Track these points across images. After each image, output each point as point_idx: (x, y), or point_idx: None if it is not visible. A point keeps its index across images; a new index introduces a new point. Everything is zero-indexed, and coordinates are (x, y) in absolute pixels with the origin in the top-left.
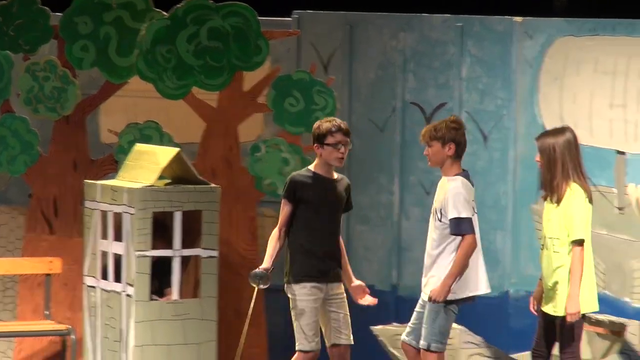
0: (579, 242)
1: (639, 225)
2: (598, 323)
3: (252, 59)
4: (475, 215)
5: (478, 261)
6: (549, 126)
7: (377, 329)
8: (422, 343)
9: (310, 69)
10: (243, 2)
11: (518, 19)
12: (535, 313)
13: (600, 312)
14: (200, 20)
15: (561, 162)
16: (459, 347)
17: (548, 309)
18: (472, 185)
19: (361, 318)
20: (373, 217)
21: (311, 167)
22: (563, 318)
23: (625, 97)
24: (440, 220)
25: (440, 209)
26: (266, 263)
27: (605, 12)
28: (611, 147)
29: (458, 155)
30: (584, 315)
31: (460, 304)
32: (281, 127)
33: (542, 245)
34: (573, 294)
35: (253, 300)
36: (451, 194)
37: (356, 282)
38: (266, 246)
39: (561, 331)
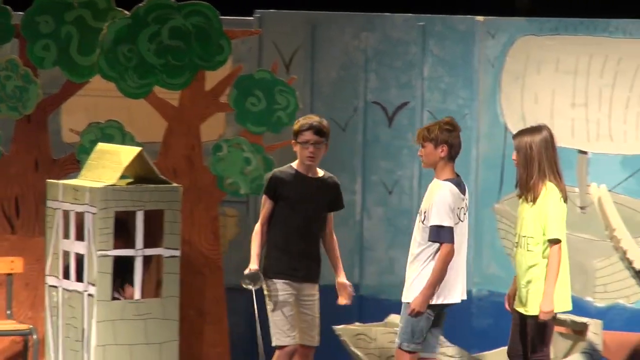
0: (555, 241)
1: (600, 224)
2: (560, 322)
3: (214, 58)
4: (463, 222)
5: (459, 269)
6: (511, 126)
7: (340, 328)
8: (396, 341)
9: (272, 68)
10: (205, 1)
11: (480, 18)
12: (510, 311)
13: (562, 311)
14: (161, 19)
15: (538, 160)
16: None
17: (521, 308)
18: (465, 190)
19: (323, 317)
20: (335, 216)
21: (294, 164)
22: (535, 317)
23: (587, 97)
24: (423, 222)
25: (425, 212)
26: (254, 263)
27: (567, 11)
28: (573, 146)
29: (451, 157)
30: (555, 315)
31: (437, 309)
32: (243, 126)
33: (516, 243)
34: (548, 293)
35: (255, 303)
36: (436, 201)
37: (343, 281)
38: (228, 245)
39: (533, 330)
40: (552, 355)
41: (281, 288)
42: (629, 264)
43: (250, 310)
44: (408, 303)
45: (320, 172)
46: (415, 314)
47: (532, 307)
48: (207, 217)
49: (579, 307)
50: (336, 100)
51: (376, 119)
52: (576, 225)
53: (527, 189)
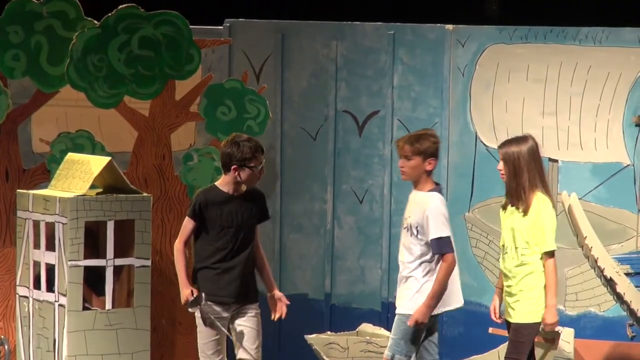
0: (551, 254)
1: (571, 232)
2: None
3: (184, 67)
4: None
5: (454, 277)
6: (481, 134)
7: (311, 337)
8: (386, 353)
9: (242, 77)
10: (175, 10)
11: (449, 26)
12: (498, 321)
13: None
14: (131, 29)
15: (527, 170)
16: None
17: (508, 315)
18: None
19: (295, 327)
20: (306, 225)
21: (217, 183)
22: (520, 325)
23: (557, 105)
24: (417, 237)
25: (417, 226)
26: (188, 286)
27: (537, 19)
28: (543, 155)
29: (433, 169)
30: (538, 324)
31: (431, 318)
32: (213, 135)
33: (505, 253)
34: (551, 305)
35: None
36: (431, 213)
37: (277, 294)
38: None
39: (513, 337)
40: None
41: (208, 311)
42: (600, 272)
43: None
44: (404, 315)
45: (243, 187)
46: (417, 325)
47: (519, 315)
48: (179, 226)
49: None
50: (307, 109)
51: (347, 128)
52: None
53: (517, 199)
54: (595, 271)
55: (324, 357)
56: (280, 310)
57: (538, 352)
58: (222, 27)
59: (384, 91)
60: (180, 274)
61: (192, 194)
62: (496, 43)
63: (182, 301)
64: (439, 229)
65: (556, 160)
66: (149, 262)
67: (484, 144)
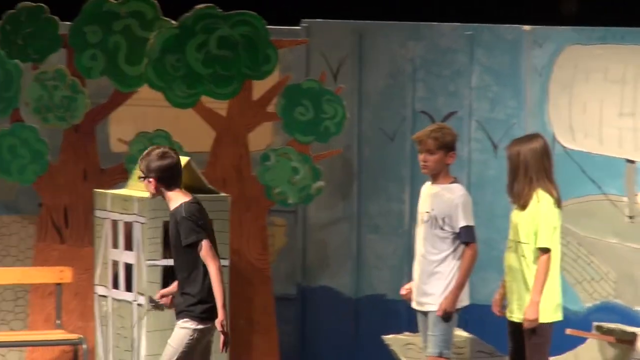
0: (545, 250)
1: None
2: (609, 332)
3: (261, 67)
4: None
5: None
6: (559, 135)
7: (389, 338)
8: (432, 351)
9: (320, 77)
10: (252, 11)
11: (527, 27)
12: (499, 315)
13: (610, 321)
14: (209, 29)
15: (524, 168)
16: (471, 356)
17: (511, 315)
18: None
19: (373, 327)
20: (383, 225)
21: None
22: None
23: (635, 106)
24: (442, 229)
25: (443, 217)
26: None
27: (614, 20)
28: (621, 156)
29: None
30: (551, 324)
31: (460, 311)
32: (291, 136)
33: (509, 248)
34: (533, 301)
35: None
36: (461, 202)
37: (216, 322)
38: (276, 255)
39: (527, 338)
40: None
41: None
42: None
43: (300, 319)
44: (444, 314)
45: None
46: (446, 315)
47: (521, 313)
48: (256, 226)
49: (628, 317)
50: (384, 110)
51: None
52: (625, 234)
53: (513, 196)
54: None
55: (402, 357)
56: (220, 339)
57: (615, 353)
58: (299, 28)
59: (462, 92)
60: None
61: (269, 194)
62: (574, 44)
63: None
64: (468, 217)
65: (634, 162)
66: (227, 262)
67: (562, 145)
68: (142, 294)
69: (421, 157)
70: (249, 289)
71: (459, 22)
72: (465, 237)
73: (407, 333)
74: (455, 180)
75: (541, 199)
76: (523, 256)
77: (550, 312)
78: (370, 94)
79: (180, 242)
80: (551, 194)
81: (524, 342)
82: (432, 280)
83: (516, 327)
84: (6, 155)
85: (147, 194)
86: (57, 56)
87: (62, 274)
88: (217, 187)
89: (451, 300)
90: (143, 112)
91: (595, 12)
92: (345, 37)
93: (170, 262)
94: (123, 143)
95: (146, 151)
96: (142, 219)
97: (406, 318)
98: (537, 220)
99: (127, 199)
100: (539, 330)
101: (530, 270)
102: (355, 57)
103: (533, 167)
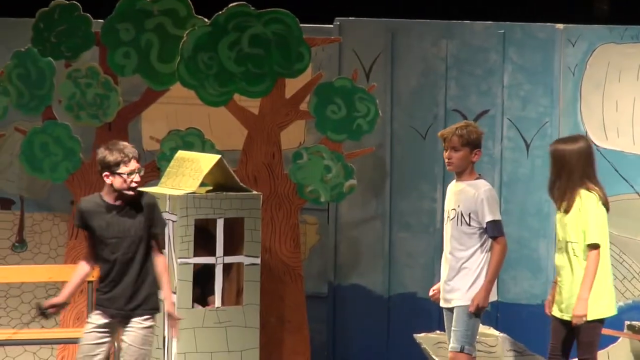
0: (594, 246)
1: None
2: None
3: (294, 65)
4: None
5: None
6: (592, 133)
7: (420, 336)
8: (454, 346)
9: (352, 75)
10: (284, 8)
11: (560, 26)
12: (549, 315)
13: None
14: (241, 27)
15: (568, 169)
16: (502, 354)
17: (561, 313)
18: None
19: (404, 325)
20: (415, 224)
21: (102, 192)
22: (587, 322)
23: None
24: (469, 224)
25: (469, 213)
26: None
27: None
28: None
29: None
30: (602, 320)
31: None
32: (323, 134)
33: (559, 249)
34: (582, 297)
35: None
36: (485, 197)
37: (168, 310)
38: (308, 253)
39: (577, 335)
40: None
41: (89, 323)
42: None
43: (331, 317)
44: (464, 306)
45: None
46: (478, 310)
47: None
48: (288, 224)
49: None
50: (416, 108)
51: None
52: None
53: (555, 197)
54: None
55: (433, 356)
56: (172, 327)
57: None
58: (332, 26)
59: (494, 90)
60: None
61: (301, 192)
62: (607, 43)
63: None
64: (494, 212)
65: None
66: (258, 260)
67: (595, 143)
68: (173, 292)
69: (446, 154)
70: (281, 287)
71: (491, 21)
72: (492, 231)
73: (438, 332)
74: (479, 177)
75: (585, 198)
76: (575, 255)
77: (601, 309)
78: (403, 93)
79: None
80: (596, 193)
81: (569, 340)
82: (459, 277)
83: (564, 325)
84: (38, 152)
85: (179, 192)
86: (89, 54)
87: (93, 272)
88: (249, 185)
89: (483, 295)
90: (175, 110)
91: (627, 12)
92: (377, 36)
93: (203, 260)
94: (155, 141)
95: None
96: (173, 217)
97: (437, 316)
98: (585, 218)
99: (159, 196)
100: (589, 327)
101: (582, 269)
102: (388, 56)
103: (577, 168)
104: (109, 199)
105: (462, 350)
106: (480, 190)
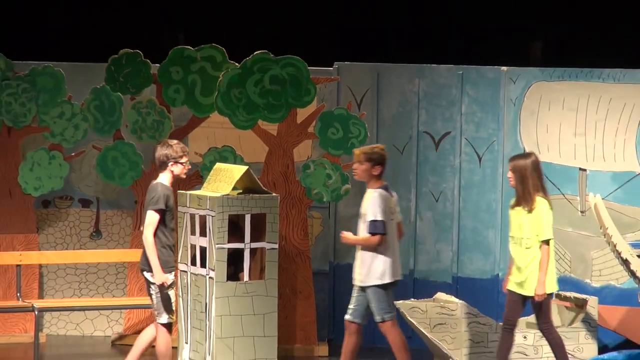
0: (547, 242)
1: (596, 224)
2: (566, 299)
3: (303, 98)
4: (392, 220)
5: (386, 254)
6: (529, 150)
7: (399, 303)
8: (377, 318)
9: (347, 106)
10: (296, 56)
11: (504, 68)
12: (505, 291)
13: (567, 290)
14: (264, 69)
15: (530, 179)
16: (461, 317)
17: (517, 288)
18: (392, 195)
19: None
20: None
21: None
22: (534, 297)
23: (585, 128)
24: (365, 223)
25: (364, 214)
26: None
27: (570, 62)
28: (575, 165)
29: (380, 174)
30: (550, 294)
31: (389, 287)
32: (325, 150)
33: (515, 243)
34: (541, 281)
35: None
36: (370, 202)
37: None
38: (314, 240)
39: (536, 307)
40: (559, 324)
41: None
42: (618, 254)
43: (332, 289)
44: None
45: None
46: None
47: (530, 290)
48: (299, 218)
49: (579, 287)
50: (396, 131)
51: (426, 145)
52: (578, 224)
53: (524, 201)
54: (614, 254)
55: (409, 318)
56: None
57: (570, 315)
58: (332, 68)
59: (454, 117)
60: (159, 262)
61: (309, 194)
62: (540, 81)
63: (161, 283)
64: (373, 213)
65: (585, 170)
66: (276, 246)
67: None
68: (212, 269)
69: (353, 165)
70: (293, 266)
71: (452, 64)
72: (370, 228)
73: (412, 299)
74: (380, 187)
75: (539, 203)
76: (527, 247)
77: (551, 286)
78: (386, 119)
79: None
80: (547, 200)
81: (520, 310)
82: (357, 263)
83: (518, 297)
84: (110, 164)
85: (217, 194)
86: (149, 90)
87: None
88: (269, 189)
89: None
90: (214, 132)
91: (556, 56)
92: (366, 76)
93: (235, 245)
94: (199, 156)
95: None
96: (212, 213)
97: (411, 288)
98: (540, 219)
99: (201, 197)
100: (545, 300)
101: (533, 257)
102: (374, 91)
103: (532, 177)
104: (169, 184)
105: (383, 320)
106: (370, 196)
